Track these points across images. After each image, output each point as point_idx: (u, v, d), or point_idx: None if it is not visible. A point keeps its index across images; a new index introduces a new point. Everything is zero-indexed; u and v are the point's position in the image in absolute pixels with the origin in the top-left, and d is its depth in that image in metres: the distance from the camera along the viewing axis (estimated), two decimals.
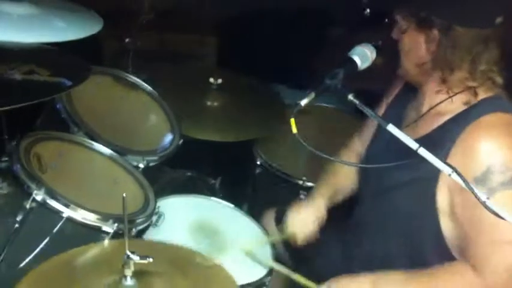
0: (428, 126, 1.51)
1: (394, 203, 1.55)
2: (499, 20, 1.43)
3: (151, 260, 1.23)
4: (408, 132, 1.49)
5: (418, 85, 1.57)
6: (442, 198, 1.44)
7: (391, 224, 1.56)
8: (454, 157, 1.35)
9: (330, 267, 1.67)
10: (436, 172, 1.41)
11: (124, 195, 1.23)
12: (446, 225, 1.45)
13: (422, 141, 1.32)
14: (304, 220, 1.71)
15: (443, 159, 1.28)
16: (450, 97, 1.47)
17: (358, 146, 1.84)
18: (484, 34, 1.42)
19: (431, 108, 1.52)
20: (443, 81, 1.47)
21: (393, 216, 1.55)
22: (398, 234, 1.54)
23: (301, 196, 2.06)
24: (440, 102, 1.50)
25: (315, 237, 1.72)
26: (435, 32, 1.43)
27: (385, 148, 1.56)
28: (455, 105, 1.48)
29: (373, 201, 1.64)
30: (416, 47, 1.48)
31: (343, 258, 1.70)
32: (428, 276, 1.43)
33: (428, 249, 1.49)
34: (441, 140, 1.44)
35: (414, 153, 1.29)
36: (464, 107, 1.46)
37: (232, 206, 1.88)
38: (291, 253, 1.82)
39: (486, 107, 1.43)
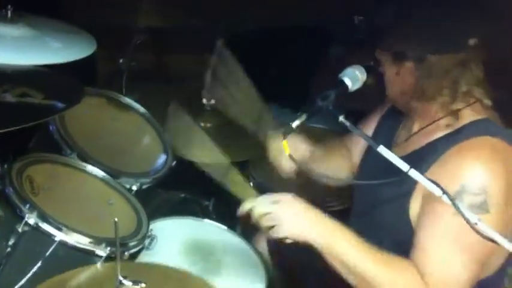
0: (416, 144, 1.53)
1: (379, 219, 1.56)
2: (472, 41, 1.45)
3: (143, 285, 1.23)
4: (397, 150, 1.52)
5: (406, 112, 1.59)
6: (414, 209, 1.45)
7: (380, 240, 1.57)
8: (431, 175, 1.35)
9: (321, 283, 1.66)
10: (412, 186, 1.43)
11: (116, 219, 1.23)
12: None
13: (408, 157, 1.34)
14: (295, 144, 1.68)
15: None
16: (435, 121, 1.49)
17: (354, 153, 1.85)
18: (459, 58, 1.44)
19: (419, 130, 1.54)
20: (426, 108, 1.49)
21: (381, 231, 1.55)
22: (388, 249, 1.55)
23: None
24: (426, 126, 1.52)
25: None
26: (409, 64, 1.45)
27: (378, 164, 1.58)
28: (441, 127, 1.49)
29: (363, 216, 1.66)
30: (394, 79, 1.51)
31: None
32: (383, 257, 1.40)
33: None
34: (425, 156, 1.45)
35: (404, 172, 1.31)
36: (452, 129, 1.47)
37: (225, 227, 1.88)
38: (280, 270, 1.81)
39: (472, 130, 1.44)
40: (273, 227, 1.43)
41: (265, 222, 1.44)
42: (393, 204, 1.50)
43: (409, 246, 1.47)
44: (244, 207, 1.49)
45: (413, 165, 1.30)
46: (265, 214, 1.44)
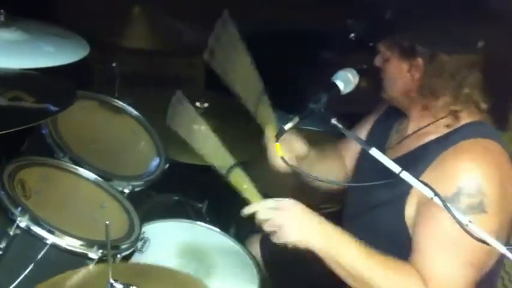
0: (410, 146, 1.54)
1: (374, 222, 1.57)
2: (480, 44, 1.46)
3: None
4: (391, 152, 1.52)
5: (403, 110, 1.59)
6: (409, 213, 1.46)
7: (375, 243, 1.57)
8: (427, 177, 1.36)
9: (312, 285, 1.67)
10: (407, 190, 1.44)
11: (107, 222, 1.23)
12: None
13: (401, 159, 1.35)
14: (290, 142, 1.67)
15: (417, 178, 1.29)
16: (434, 122, 1.49)
17: (348, 158, 1.85)
18: (467, 59, 1.45)
19: (415, 132, 1.54)
20: (427, 107, 1.49)
21: (376, 234, 1.56)
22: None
23: None
24: (425, 127, 1.52)
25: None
26: (419, 61, 1.45)
27: (371, 166, 1.58)
28: (438, 128, 1.50)
29: (357, 219, 1.66)
30: (400, 75, 1.50)
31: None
32: (388, 262, 1.41)
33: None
34: (419, 159, 1.46)
35: (397, 175, 1.31)
36: (446, 130, 1.48)
37: (218, 230, 1.87)
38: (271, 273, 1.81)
39: (467, 132, 1.45)
40: (275, 232, 1.43)
41: (267, 228, 1.45)
42: (388, 207, 1.51)
43: (403, 248, 1.48)
44: (248, 210, 1.50)
45: (407, 167, 1.30)
46: (267, 220, 1.44)
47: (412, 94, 1.51)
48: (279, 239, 1.43)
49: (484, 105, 1.49)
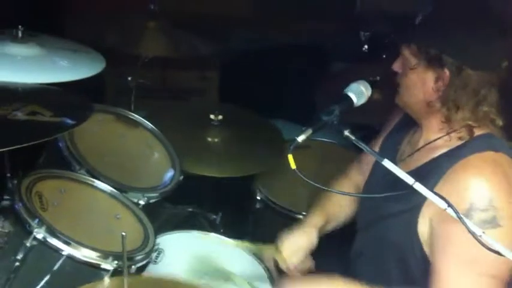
0: (421, 160, 1.53)
1: (385, 235, 1.56)
2: (504, 63, 1.45)
3: None
4: (402, 165, 1.52)
5: (418, 119, 1.58)
6: (423, 229, 1.45)
7: (385, 255, 1.56)
8: (439, 191, 1.36)
9: None
10: (420, 203, 1.43)
11: (123, 234, 1.24)
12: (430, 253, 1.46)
13: (413, 173, 1.34)
14: (297, 245, 1.72)
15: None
16: (448, 133, 1.49)
17: (356, 176, 1.86)
18: (490, 77, 1.45)
19: (427, 144, 1.54)
20: (447, 118, 1.48)
21: (386, 247, 1.56)
22: (392, 265, 1.54)
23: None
24: (438, 138, 1.51)
25: (306, 267, 1.72)
26: (446, 72, 1.44)
27: (382, 180, 1.58)
28: (450, 141, 1.49)
29: (367, 232, 1.65)
30: (422, 83, 1.49)
31: None
32: None
33: (422, 278, 1.48)
34: (430, 173, 1.45)
35: (409, 187, 1.31)
36: (458, 143, 1.47)
37: (232, 241, 1.88)
38: None
39: (478, 145, 1.44)
40: None
41: None
42: (400, 220, 1.50)
43: (412, 265, 1.48)
44: None
45: (419, 181, 1.30)
46: None
47: (433, 104, 1.50)
48: None
49: (499, 122, 1.49)
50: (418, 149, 1.56)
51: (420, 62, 1.47)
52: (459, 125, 1.47)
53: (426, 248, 1.46)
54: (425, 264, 1.46)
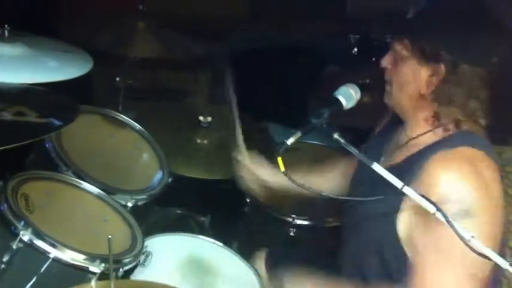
0: (401, 157, 1.54)
1: (365, 229, 1.57)
2: (495, 59, 1.46)
3: None
4: (386, 159, 1.52)
5: (405, 116, 1.58)
6: (402, 225, 1.45)
7: (365, 249, 1.58)
8: (418, 185, 1.36)
9: None
10: (399, 201, 1.44)
11: (110, 236, 1.23)
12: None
13: (392, 169, 1.34)
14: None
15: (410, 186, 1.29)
16: (435, 128, 1.49)
17: (346, 166, 1.87)
18: (482, 72, 1.45)
19: (410, 140, 1.55)
20: (436, 113, 1.49)
21: (366, 241, 1.56)
22: (372, 258, 1.55)
23: (291, 233, 2.06)
24: (421, 134, 1.52)
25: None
26: (442, 67, 1.45)
27: (367, 181, 1.58)
28: (431, 137, 1.50)
29: (350, 225, 1.67)
30: (415, 78, 1.49)
31: None
32: None
33: (400, 272, 1.48)
34: (409, 169, 1.46)
35: (395, 189, 1.31)
36: (437, 139, 1.48)
37: (221, 244, 1.87)
38: None
39: (455, 141, 1.45)
40: None
41: None
42: (380, 221, 1.51)
43: (396, 263, 1.48)
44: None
45: (398, 177, 1.30)
46: None
47: (423, 98, 1.50)
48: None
49: (483, 122, 1.50)
50: (401, 146, 1.57)
51: (413, 56, 1.48)
52: (447, 119, 1.48)
53: (405, 245, 1.46)
54: (403, 259, 1.46)
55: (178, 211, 2.14)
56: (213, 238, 1.89)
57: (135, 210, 1.86)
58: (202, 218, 2.18)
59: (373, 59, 2.56)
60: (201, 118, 2.26)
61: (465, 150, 1.43)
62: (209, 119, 2.26)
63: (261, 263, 1.86)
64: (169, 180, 2.02)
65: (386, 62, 1.55)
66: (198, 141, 2.26)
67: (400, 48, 1.50)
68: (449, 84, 1.45)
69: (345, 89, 1.55)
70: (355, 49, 2.81)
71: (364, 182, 1.61)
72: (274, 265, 1.83)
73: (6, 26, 1.80)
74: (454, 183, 1.38)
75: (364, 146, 1.77)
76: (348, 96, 1.54)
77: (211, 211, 2.26)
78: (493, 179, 1.43)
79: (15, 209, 1.53)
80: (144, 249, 1.69)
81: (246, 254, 1.89)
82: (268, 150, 2.22)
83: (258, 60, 3.15)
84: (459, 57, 1.42)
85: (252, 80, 3.00)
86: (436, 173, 1.40)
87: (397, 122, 1.63)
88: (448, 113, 1.47)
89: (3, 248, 1.49)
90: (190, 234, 1.89)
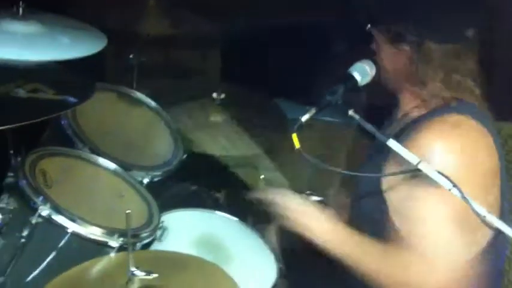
0: (396, 129, 1.56)
1: (361, 211, 1.61)
2: (470, 32, 1.45)
3: (155, 275, 1.25)
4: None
5: (395, 94, 1.61)
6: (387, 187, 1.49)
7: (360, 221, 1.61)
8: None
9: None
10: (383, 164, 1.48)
11: (128, 211, 1.25)
12: None
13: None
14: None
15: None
16: (422, 103, 1.50)
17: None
18: (456, 48, 1.45)
19: (404, 115, 1.56)
20: (417, 94, 1.51)
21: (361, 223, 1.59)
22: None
23: None
24: (413, 107, 1.53)
25: None
26: (406, 48, 1.46)
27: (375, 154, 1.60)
28: (423, 110, 1.51)
29: (352, 206, 1.70)
30: (389, 61, 1.52)
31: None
32: (371, 247, 1.48)
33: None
34: (400, 139, 1.47)
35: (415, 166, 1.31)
36: (427, 111, 1.49)
37: (236, 219, 1.89)
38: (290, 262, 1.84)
39: (444, 110, 1.45)
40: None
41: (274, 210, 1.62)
42: (370, 198, 1.53)
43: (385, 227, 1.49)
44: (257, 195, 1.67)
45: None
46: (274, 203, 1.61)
47: (400, 78, 1.52)
48: (285, 222, 1.58)
49: (477, 91, 1.49)
50: (395, 122, 1.58)
51: (384, 40, 1.50)
52: (435, 98, 1.48)
53: (392, 214, 1.48)
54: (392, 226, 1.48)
55: (193, 187, 2.15)
56: (227, 213, 1.91)
57: (151, 186, 1.87)
58: (217, 194, 2.20)
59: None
60: (214, 95, 2.26)
61: (450, 117, 1.43)
62: (222, 95, 2.26)
63: (273, 235, 1.89)
64: (184, 156, 2.04)
65: (373, 45, 1.58)
66: (212, 118, 2.27)
67: (376, 33, 1.53)
68: (417, 64, 1.45)
69: (360, 65, 1.55)
70: (369, 25, 2.78)
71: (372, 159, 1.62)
72: (286, 237, 1.85)
73: (20, 3, 1.80)
74: (435, 146, 1.38)
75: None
76: (363, 72, 1.54)
77: (225, 187, 2.27)
78: (483, 145, 1.43)
79: (34, 185, 1.55)
80: (160, 225, 1.71)
81: (261, 229, 1.90)
82: (281, 127, 2.24)
83: (268, 37, 3.13)
84: (422, 36, 1.43)
85: (262, 56, 3.00)
86: (421, 140, 1.41)
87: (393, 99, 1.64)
88: (430, 90, 1.47)
89: (22, 223, 1.51)
90: (205, 210, 1.91)
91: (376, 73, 1.57)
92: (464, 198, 1.25)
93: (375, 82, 1.59)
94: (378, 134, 1.43)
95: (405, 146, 1.40)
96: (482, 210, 1.23)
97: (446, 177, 1.28)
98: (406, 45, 1.46)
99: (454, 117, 1.43)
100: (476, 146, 1.42)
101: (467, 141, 1.41)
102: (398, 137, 1.47)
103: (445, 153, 1.39)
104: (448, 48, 1.44)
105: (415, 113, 1.53)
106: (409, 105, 1.55)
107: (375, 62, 1.57)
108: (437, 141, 1.40)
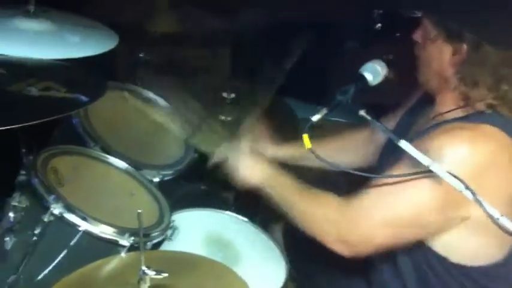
0: (423, 126, 1.55)
1: None
2: None
3: (166, 275, 1.25)
4: (413, 136, 1.52)
5: (435, 93, 1.57)
6: None
7: None
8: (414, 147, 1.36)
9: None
10: None
11: (139, 211, 1.25)
12: None
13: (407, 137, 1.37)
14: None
15: None
16: (462, 107, 1.47)
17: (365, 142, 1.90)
18: (508, 56, 1.42)
19: (436, 115, 1.53)
20: (465, 95, 1.46)
21: None
22: None
23: None
24: (451, 110, 1.50)
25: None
26: (464, 47, 1.43)
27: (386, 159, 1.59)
28: (458, 114, 1.48)
29: None
30: (440, 57, 1.48)
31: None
32: (310, 194, 1.55)
33: None
34: (418, 135, 1.48)
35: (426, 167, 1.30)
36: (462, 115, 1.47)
37: (246, 219, 1.89)
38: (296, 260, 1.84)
39: (478, 118, 1.43)
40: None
41: (225, 170, 1.72)
42: None
43: None
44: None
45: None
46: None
47: (449, 80, 1.48)
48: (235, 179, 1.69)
49: None
50: (427, 121, 1.56)
51: (440, 34, 1.46)
52: (477, 101, 1.45)
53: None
54: None
55: (203, 187, 2.16)
56: (237, 214, 1.91)
57: (161, 186, 1.88)
58: (227, 194, 2.20)
59: (398, 34, 2.53)
60: (224, 94, 2.26)
61: (483, 127, 1.41)
62: (232, 95, 2.26)
63: (279, 234, 1.89)
64: (195, 156, 2.04)
65: (416, 36, 1.53)
66: (222, 117, 2.27)
67: (429, 24, 1.48)
68: (473, 65, 1.42)
69: (371, 65, 1.54)
70: (379, 24, 2.77)
71: (385, 160, 1.61)
72: (292, 236, 1.84)
73: (31, 1, 1.81)
74: (444, 153, 1.35)
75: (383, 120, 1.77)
76: (374, 72, 1.53)
77: (235, 187, 2.27)
78: (509, 158, 1.40)
79: (46, 183, 1.56)
80: (171, 224, 1.72)
81: (269, 229, 1.91)
82: (289, 126, 2.24)
83: (278, 35, 3.12)
84: (482, 37, 1.40)
85: (272, 56, 2.99)
86: (439, 139, 1.38)
87: (428, 99, 1.61)
88: (477, 95, 1.44)
89: (34, 221, 1.52)
90: (215, 210, 1.91)
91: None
92: (476, 200, 1.24)
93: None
94: (389, 134, 1.42)
95: (420, 140, 1.40)
96: (495, 212, 1.22)
97: (459, 179, 1.27)
98: (464, 43, 1.42)
99: (488, 128, 1.41)
100: (503, 159, 1.40)
101: (495, 152, 1.39)
102: (423, 135, 1.47)
103: (469, 159, 1.36)
104: (503, 55, 1.42)
105: (451, 115, 1.49)
106: (447, 107, 1.51)
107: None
108: (464, 148, 1.37)
